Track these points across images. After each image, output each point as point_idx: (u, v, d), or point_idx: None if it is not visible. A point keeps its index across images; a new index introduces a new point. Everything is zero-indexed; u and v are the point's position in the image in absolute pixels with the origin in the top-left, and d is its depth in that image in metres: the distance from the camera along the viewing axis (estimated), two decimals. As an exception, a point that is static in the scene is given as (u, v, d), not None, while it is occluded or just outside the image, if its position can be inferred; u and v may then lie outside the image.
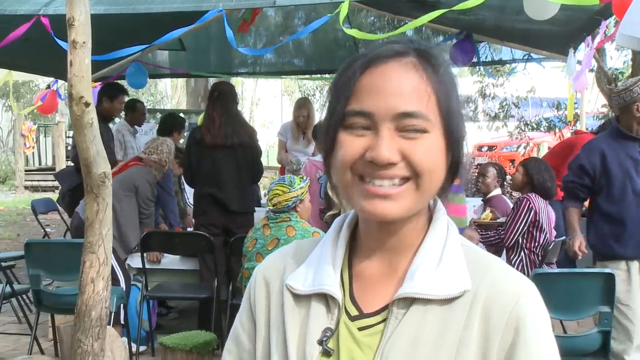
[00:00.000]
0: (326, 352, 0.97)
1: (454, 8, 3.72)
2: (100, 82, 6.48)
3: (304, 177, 3.89)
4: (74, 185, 5.66)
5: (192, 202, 6.07)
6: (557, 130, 11.53)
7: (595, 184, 3.91)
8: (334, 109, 0.97)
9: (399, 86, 0.93)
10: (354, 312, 1.00)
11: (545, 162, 4.98)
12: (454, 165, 0.97)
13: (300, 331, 1.00)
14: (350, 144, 0.94)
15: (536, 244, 4.48)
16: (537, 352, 0.92)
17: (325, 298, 1.00)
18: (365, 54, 0.97)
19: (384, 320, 0.97)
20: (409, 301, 0.95)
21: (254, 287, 1.09)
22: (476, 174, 5.66)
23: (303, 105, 6.50)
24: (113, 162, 4.91)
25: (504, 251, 4.58)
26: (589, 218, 4.03)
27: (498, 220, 5.01)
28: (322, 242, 1.07)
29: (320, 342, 0.97)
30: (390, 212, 0.93)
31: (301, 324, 1.00)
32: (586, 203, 4.22)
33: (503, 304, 0.93)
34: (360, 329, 0.98)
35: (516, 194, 5.29)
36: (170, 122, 6.53)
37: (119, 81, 6.64)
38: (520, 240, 4.50)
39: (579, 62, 5.73)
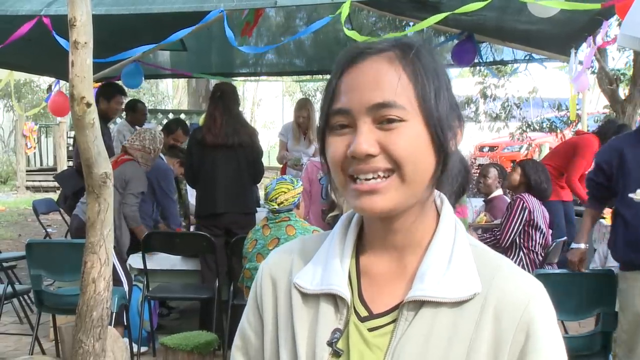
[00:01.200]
0: (336, 353, 0.97)
1: (457, 11, 3.73)
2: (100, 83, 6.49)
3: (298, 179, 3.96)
4: (78, 189, 5.65)
5: (193, 203, 6.08)
6: (558, 130, 11.53)
7: (612, 183, 3.63)
8: (320, 113, 1.01)
9: (373, 80, 0.94)
10: (363, 312, 1.00)
11: (542, 163, 5.00)
12: (443, 154, 0.97)
13: (310, 332, 1.00)
14: (335, 144, 0.96)
15: (534, 243, 4.49)
16: (548, 355, 0.93)
17: (334, 298, 1.00)
18: (346, 54, 0.99)
19: (393, 321, 0.97)
20: (419, 303, 0.95)
21: (260, 284, 1.09)
22: (477, 175, 5.66)
23: (303, 106, 6.51)
24: None
25: (502, 252, 4.59)
26: (612, 224, 3.76)
27: (494, 222, 5.03)
28: (329, 239, 1.07)
29: (330, 344, 0.97)
30: (378, 206, 0.94)
31: (310, 324, 1.00)
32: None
33: (514, 308, 0.93)
34: (370, 329, 0.98)
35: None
36: (175, 121, 6.65)
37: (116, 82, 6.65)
38: (517, 240, 4.51)
39: (581, 63, 5.73)
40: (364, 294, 1.01)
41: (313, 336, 0.99)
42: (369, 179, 0.93)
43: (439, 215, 1.03)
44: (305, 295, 1.02)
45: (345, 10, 3.79)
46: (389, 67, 0.95)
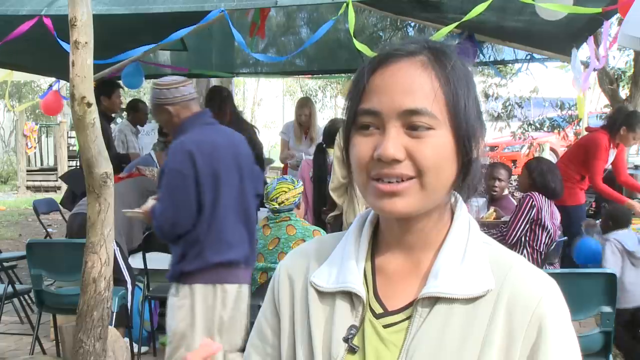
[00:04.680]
0: (352, 350, 0.98)
1: (467, 17, 3.77)
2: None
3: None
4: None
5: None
6: (560, 130, 11.51)
7: None
8: (347, 110, 1.01)
9: (406, 84, 0.95)
10: (378, 309, 1.01)
11: (550, 162, 4.96)
12: (466, 162, 0.98)
13: (326, 329, 1.01)
14: (361, 144, 0.97)
15: (539, 242, 4.48)
16: (560, 351, 0.94)
17: (350, 295, 1.01)
18: (378, 55, 1.00)
19: (408, 318, 0.98)
20: (433, 300, 0.97)
21: (277, 282, 1.11)
22: (488, 178, 5.57)
23: (304, 105, 6.52)
24: (114, 156, 4.91)
25: None
26: None
27: (502, 219, 5.01)
28: (344, 239, 1.09)
29: (346, 340, 0.99)
30: (398, 208, 0.95)
31: (326, 322, 1.02)
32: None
33: (526, 304, 0.95)
34: (385, 326, 0.99)
35: (518, 194, 5.27)
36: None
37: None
38: (523, 239, 4.50)
39: (582, 63, 5.70)
40: (379, 292, 1.03)
41: (329, 333, 1.00)
42: (392, 181, 0.94)
43: (453, 213, 1.04)
44: (321, 294, 1.04)
45: (351, 19, 3.80)
46: (422, 73, 0.95)
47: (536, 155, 12.26)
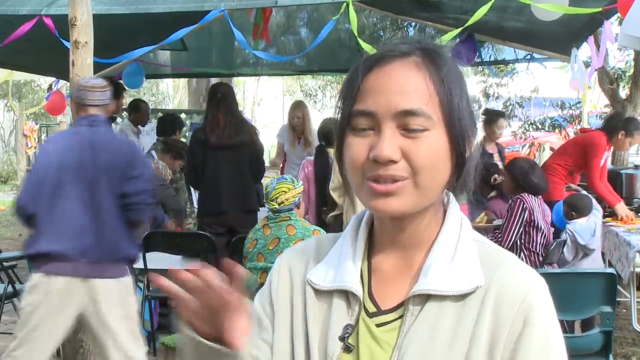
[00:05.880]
0: (347, 349, 0.99)
1: (471, 21, 3.78)
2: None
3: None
4: None
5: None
6: (561, 129, 11.52)
7: None
8: (341, 111, 1.01)
9: (401, 85, 0.95)
10: (372, 308, 1.02)
11: (528, 159, 4.98)
12: (460, 162, 0.99)
13: (322, 327, 1.02)
14: (356, 145, 0.97)
15: (535, 244, 4.47)
16: (545, 344, 0.94)
17: (346, 294, 1.02)
18: (371, 55, 1.01)
19: (400, 317, 0.99)
20: (424, 297, 0.97)
21: (277, 274, 1.11)
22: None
23: (297, 107, 6.40)
24: None
25: None
26: None
27: (494, 223, 5.00)
28: (341, 239, 1.10)
29: (342, 339, 0.99)
30: (392, 208, 0.96)
31: (323, 320, 1.03)
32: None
33: (513, 296, 0.95)
34: (378, 325, 1.00)
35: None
36: (170, 121, 6.65)
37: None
38: (518, 242, 4.49)
39: (583, 62, 5.69)
40: (373, 291, 1.04)
41: (326, 331, 1.01)
42: (387, 182, 0.95)
43: (445, 211, 1.05)
44: (318, 292, 1.04)
45: (353, 18, 3.80)
46: (417, 73, 0.96)
47: (537, 154, 12.29)
